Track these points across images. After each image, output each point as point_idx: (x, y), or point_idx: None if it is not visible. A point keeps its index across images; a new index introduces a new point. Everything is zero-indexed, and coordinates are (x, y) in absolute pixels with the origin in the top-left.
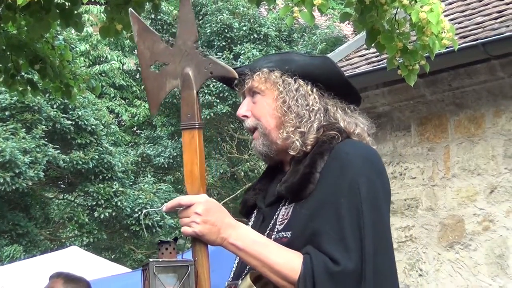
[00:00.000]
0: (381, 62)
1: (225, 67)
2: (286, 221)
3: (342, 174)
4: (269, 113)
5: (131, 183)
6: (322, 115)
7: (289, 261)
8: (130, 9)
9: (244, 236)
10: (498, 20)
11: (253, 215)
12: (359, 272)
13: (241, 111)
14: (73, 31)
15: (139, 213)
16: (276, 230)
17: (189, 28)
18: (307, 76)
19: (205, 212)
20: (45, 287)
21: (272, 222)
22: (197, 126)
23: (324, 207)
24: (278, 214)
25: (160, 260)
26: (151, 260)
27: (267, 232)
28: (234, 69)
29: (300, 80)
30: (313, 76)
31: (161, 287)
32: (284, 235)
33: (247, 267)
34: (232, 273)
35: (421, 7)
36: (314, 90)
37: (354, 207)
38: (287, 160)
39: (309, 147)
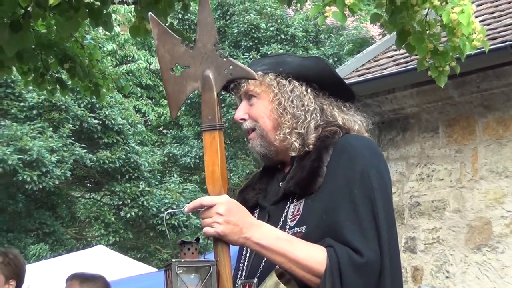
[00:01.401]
0: (409, 63)
1: (244, 68)
2: (298, 216)
3: (352, 166)
4: (266, 114)
5: (157, 183)
6: (318, 114)
7: (314, 255)
8: (150, 13)
9: (268, 234)
10: None
11: (255, 214)
12: (380, 262)
13: (238, 114)
14: (100, 30)
15: (165, 213)
16: (288, 226)
17: (209, 30)
18: (301, 77)
19: (227, 213)
20: None
21: (282, 220)
22: (217, 128)
23: (338, 198)
24: (287, 212)
25: (183, 260)
26: (173, 260)
27: (278, 229)
28: None
29: (294, 81)
30: (306, 77)
31: (183, 287)
32: (299, 230)
33: (261, 265)
34: (243, 271)
35: (452, 8)
36: (309, 90)
37: (367, 198)
38: (288, 160)
39: (311, 146)
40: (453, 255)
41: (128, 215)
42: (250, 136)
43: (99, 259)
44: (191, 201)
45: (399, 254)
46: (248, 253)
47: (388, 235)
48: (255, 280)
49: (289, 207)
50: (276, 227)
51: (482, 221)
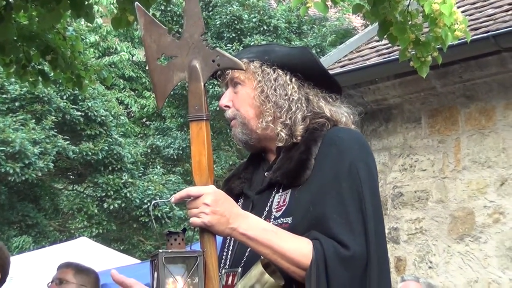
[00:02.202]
0: (392, 54)
1: (232, 59)
2: (284, 207)
3: (341, 158)
4: (248, 102)
5: (141, 174)
6: (304, 105)
7: (299, 247)
8: (137, 2)
9: (254, 225)
10: (510, 12)
11: (240, 203)
12: (366, 255)
13: (223, 101)
14: (83, 22)
15: (148, 204)
16: (273, 217)
17: (196, 21)
18: (286, 66)
19: (213, 203)
20: (54, 277)
21: (266, 209)
22: (204, 118)
23: (326, 191)
24: (272, 201)
25: (169, 251)
26: (160, 251)
27: (263, 219)
28: None
29: (279, 70)
30: (291, 66)
31: (170, 277)
32: (285, 221)
33: (245, 254)
34: (226, 261)
35: None
36: (293, 80)
37: (355, 191)
38: (271, 148)
39: (299, 138)
40: (436, 245)
41: (111, 207)
42: (232, 123)
43: (83, 251)
44: (174, 192)
45: (387, 248)
46: (232, 242)
47: (375, 228)
48: (239, 270)
49: (274, 196)
50: (260, 217)
51: (465, 211)
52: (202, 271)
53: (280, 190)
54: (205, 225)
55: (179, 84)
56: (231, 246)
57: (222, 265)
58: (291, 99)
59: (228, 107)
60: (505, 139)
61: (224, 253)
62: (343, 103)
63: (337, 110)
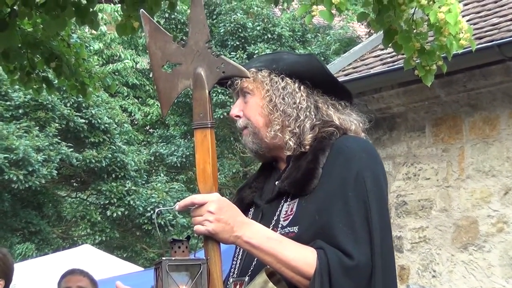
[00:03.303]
0: (396, 63)
1: (237, 66)
2: (291, 216)
3: (348, 167)
4: (258, 111)
5: (144, 182)
6: (313, 113)
7: (303, 256)
8: (142, 9)
9: (258, 233)
10: None
11: (250, 213)
12: (371, 265)
13: (234, 111)
14: (87, 29)
15: (152, 212)
16: (280, 226)
17: (201, 28)
18: (294, 74)
19: (218, 211)
20: (70, 284)
21: (274, 219)
22: (209, 126)
23: (332, 200)
24: (280, 211)
25: (173, 258)
26: (164, 258)
27: (271, 228)
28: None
29: (287, 78)
30: (300, 74)
31: (173, 285)
32: (291, 230)
33: (253, 263)
34: (235, 269)
35: (439, 7)
36: (302, 87)
37: (361, 201)
38: (281, 157)
39: (307, 147)
40: (439, 254)
41: (115, 214)
42: (244, 132)
43: (86, 258)
44: (178, 200)
45: (394, 258)
46: (241, 251)
47: (382, 238)
48: (246, 279)
49: (282, 206)
50: (269, 226)
51: (468, 220)
52: (206, 279)
53: (289, 199)
54: (209, 233)
55: (183, 91)
56: (239, 255)
57: (231, 273)
58: (299, 107)
59: (239, 116)
60: (509, 148)
61: (234, 262)
62: (353, 110)
63: (346, 118)
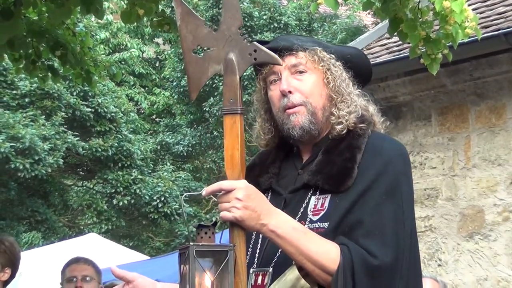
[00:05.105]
0: (402, 52)
1: (269, 53)
2: (322, 212)
3: (386, 170)
4: (318, 92)
5: (150, 171)
6: (359, 102)
7: (327, 251)
8: None
9: (284, 223)
10: None
11: (267, 198)
12: (395, 267)
13: (285, 86)
14: (93, 18)
15: (158, 200)
16: (309, 220)
17: (234, 13)
18: (344, 63)
19: (245, 198)
20: (74, 274)
21: (301, 211)
22: (239, 112)
23: (365, 201)
24: (307, 203)
25: (200, 244)
26: (191, 243)
27: (297, 220)
28: (275, 41)
29: (338, 63)
30: (348, 64)
31: (200, 271)
32: (321, 226)
33: (277, 254)
34: (254, 259)
35: None
36: (348, 76)
37: (396, 204)
38: (309, 144)
39: (344, 130)
40: (445, 243)
41: (121, 203)
42: (297, 109)
43: (92, 247)
44: (184, 189)
45: (420, 263)
46: (261, 240)
47: (410, 243)
48: (270, 270)
49: (310, 198)
50: (294, 217)
51: (474, 209)
52: (232, 266)
53: (317, 193)
54: (236, 220)
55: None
56: (258, 244)
57: (248, 262)
58: (354, 93)
59: (291, 92)
60: None
61: (250, 250)
62: (369, 101)
63: (374, 112)
